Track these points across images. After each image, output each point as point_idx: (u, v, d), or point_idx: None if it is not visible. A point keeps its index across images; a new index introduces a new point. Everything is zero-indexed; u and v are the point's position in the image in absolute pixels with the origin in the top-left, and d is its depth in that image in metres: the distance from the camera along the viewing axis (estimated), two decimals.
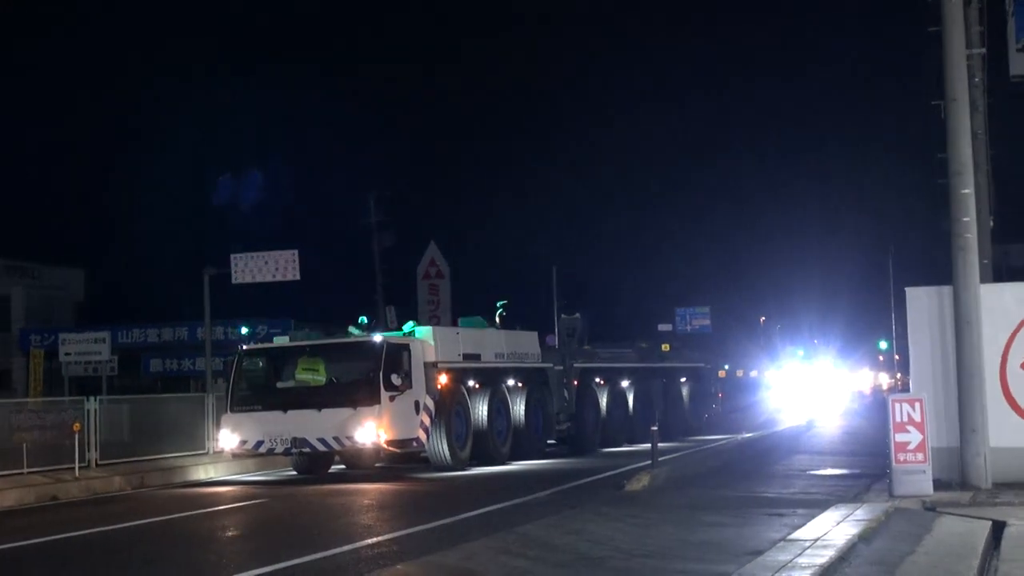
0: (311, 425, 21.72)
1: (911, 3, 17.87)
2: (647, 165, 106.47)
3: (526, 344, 26.76)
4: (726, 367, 61.35)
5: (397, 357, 22.04)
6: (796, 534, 12.17)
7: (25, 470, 20.56)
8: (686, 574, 10.61)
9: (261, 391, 23.00)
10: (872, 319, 71.29)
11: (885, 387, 72.47)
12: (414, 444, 22.44)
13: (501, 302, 27.36)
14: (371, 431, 21.33)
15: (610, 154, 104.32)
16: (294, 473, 23.90)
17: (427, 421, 22.46)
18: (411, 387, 22.09)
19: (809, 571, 10.03)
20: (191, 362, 46.06)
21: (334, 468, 24.63)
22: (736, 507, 15.07)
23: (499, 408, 24.95)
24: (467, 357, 24.25)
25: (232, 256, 30.54)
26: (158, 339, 47.86)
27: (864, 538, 11.85)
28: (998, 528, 12.56)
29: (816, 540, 11.61)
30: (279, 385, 23.02)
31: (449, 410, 23.10)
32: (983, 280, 16.35)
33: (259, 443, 22.21)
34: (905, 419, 14.93)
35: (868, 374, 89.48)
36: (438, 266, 43.57)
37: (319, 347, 23.12)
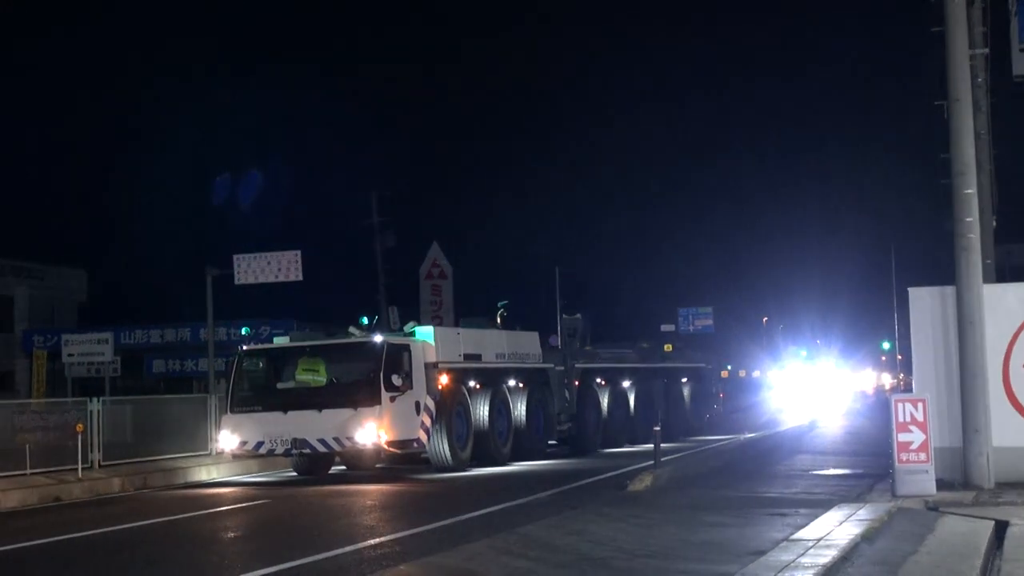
0: (311, 426, 21.69)
1: (913, 3, 17.89)
2: (647, 165, 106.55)
3: (527, 344, 26.74)
4: (729, 367, 61.31)
5: (398, 357, 22.02)
6: (799, 534, 12.17)
7: (28, 471, 20.55)
8: (688, 574, 10.61)
9: (261, 392, 22.98)
10: (874, 319, 71.41)
11: (888, 387, 72.43)
12: (415, 445, 22.41)
13: (502, 302, 27.38)
14: (372, 432, 21.31)
15: (610, 154, 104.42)
16: (295, 474, 23.87)
17: (428, 422, 22.43)
18: (412, 388, 22.06)
19: (812, 571, 10.02)
20: (194, 363, 46.11)
21: (334, 469, 24.59)
22: (739, 507, 15.06)
23: (500, 409, 24.93)
24: (468, 357, 24.22)
25: (235, 257, 30.58)
26: (161, 340, 47.93)
27: (867, 538, 11.84)
28: (1001, 528, 12.55)
29: (819, 540, 11.60)
30: (279, 386, 22.99)
31: (450, 411, 23.07)
32: (986, 280, 16.35)
33: (259, 444, 22.18)
34: (908, 419, 14.93)
35: (871, 374, 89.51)
36: (440, 266, 43.61)
37: (319, 348, 23.09)
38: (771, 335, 73.78)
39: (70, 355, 32.33)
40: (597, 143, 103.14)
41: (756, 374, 68.01)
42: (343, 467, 25.03)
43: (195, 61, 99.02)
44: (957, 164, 15.86)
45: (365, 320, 23.90)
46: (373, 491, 20.01)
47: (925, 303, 16.35)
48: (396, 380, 21.66)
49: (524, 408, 25.64)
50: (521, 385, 25.79)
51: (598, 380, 29.61)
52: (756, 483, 18.75)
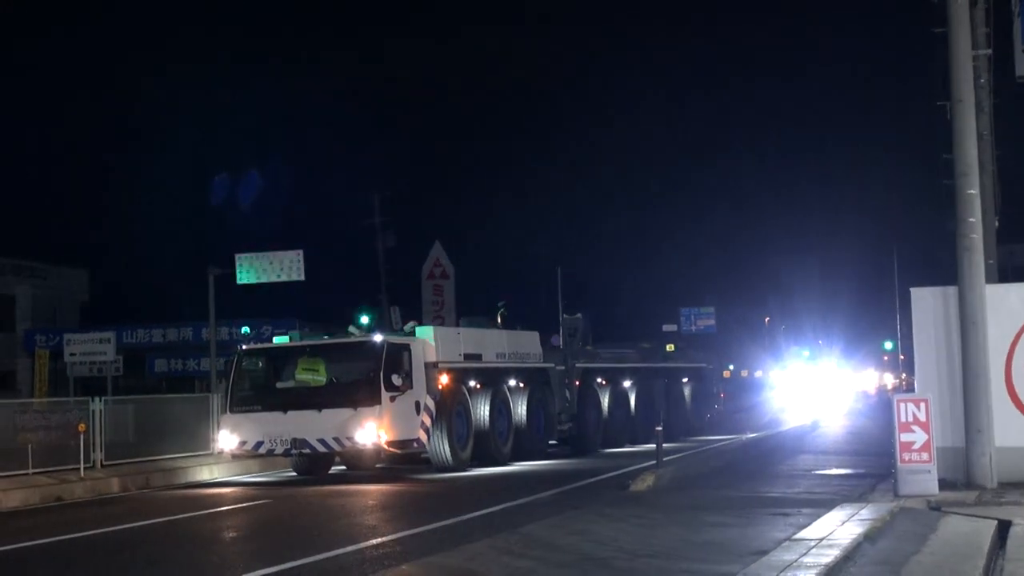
0: (311, 426, 21.65)
1: (915, 4, 17.88)
2: (648, 165, 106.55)
3: (528, 344, 26.72)
4: (730, 367, 61.35)
5: (398, 357, 21.98)
6: (801, 534, 12.16)
7: (30, 471, 20.56)
8: (691, 574, 10.60)
9: (261, 391, 22.93)
10: (876, 319, 71.41)
11: (890, 387, 72.43)
12: (415, 445, 22.38)
13: (502, 302, 27.36)
14: (371, 432, 21.28)
15: (610, 154, 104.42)
16: (295, 474, 23.85)
17: (428, 422, 22.41)
18: (412, 387, 22.03)
19: (814, 571, 10.02)
20: (196, 362, 46.15)
21: (334, 469, 24.56)
22: (741, 507, 15.05)
23: (500, 408, 24.89)
24: (468, 357, 24.20)
25: (237, 256, 30.63)
26: (163, 339, 47.96)
27: (869, 538, 11.84)
28: (1004, 528, 12.54)
29: (821, 540, 11.59)
30: (279, 385, 22.91)
31: (450, 410, 23.04)
32: (988, 280, 16.35)
33: (259, 444, 22.13)
34: (910, 419, 14.92)
35: (873, 374, 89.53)
36: (443, 266, 43.61)
37: (319, 347, 23.06)
38: (773, 335, 73.77)
39: (72, 354, 32.37)
40: (597, 143, 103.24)
41: (758, 374, 67.99)
42: (343, 467, 25.01)
43: (195, 61, 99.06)
44: (960, 165, 15.85)
45: (363, 320, 23.77)
46: (373, 491, 20.01)
47: (927, 303, 16.35)
48: (396, 380, 21.63)
49: (525, 408, 25.62)
50: (522, 385, 25.77)
51: (599, 380, 29.60)
52: (758, 483, 18.74)
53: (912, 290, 16.71)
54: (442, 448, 22.91)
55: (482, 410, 24.25)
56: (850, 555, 10.89)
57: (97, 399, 22.70)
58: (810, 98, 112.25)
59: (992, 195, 19.15)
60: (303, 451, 22.14)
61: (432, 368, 22.71)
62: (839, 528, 12.39)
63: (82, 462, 21.20)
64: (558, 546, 12.02)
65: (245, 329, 37.60)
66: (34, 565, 13.33)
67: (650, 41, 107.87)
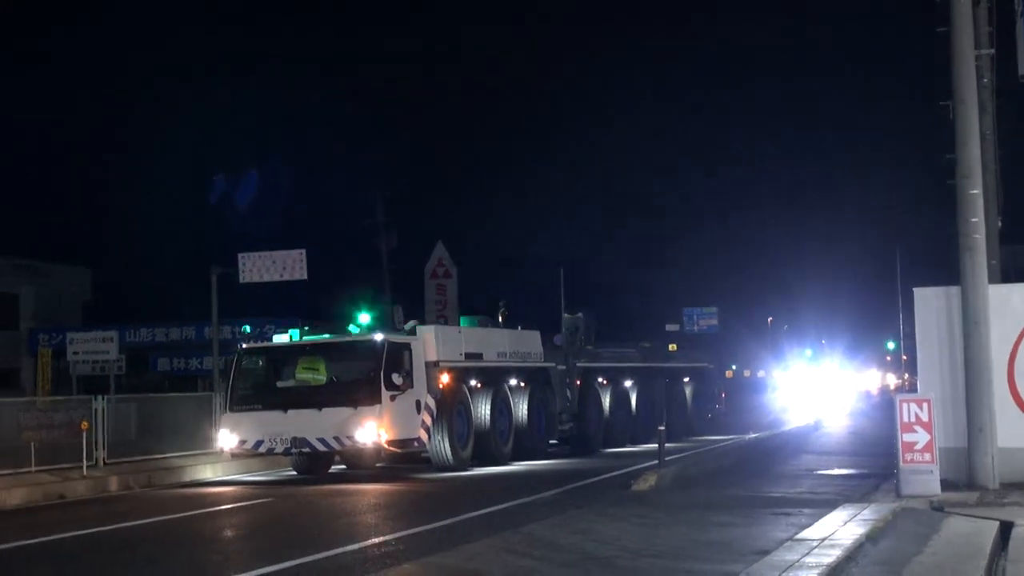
0: (311, 425, 21.60)
1: (919, 3, 17.86)
2: (648, 164, 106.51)
3: (529, 343, 26.70)
4: (733, 367, 61.38)
5: (398, 356, 21.95)
6: (803, 534, 12.16)
7: (33, 468, 20.58)
8: (693, 574, 10.60)
9: (261, 390, 22.84)
10: (879, 319, 71.39)
11: (892, 387, 72.40)
12: (415, 444, 22.35)
13: (503, 301, 27.33)
14: (372, 431, 21.24)
15: (612, 154, 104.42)
16: (295, 473, 23.83)
17: (428, 421, 22.38)
18: (412, 386, 21.99)
19: (816, 571, 10.02)
20: (198, 361, 46.12)
21: (334, 468, 24.52)
22: (744, 507, 15.05)
23: (501, 408, 24.85)
24: (469, 356, 24.17)
25: (239, 255, 30.61)
26: (166, 338, 47.93)
27: (871, 538, 11.83)
28: (1006, 528, 12.53)
29: (823, 540, 11.59)
30: (279, 384, 22.83)
31: (451, 410, 23.00)
32: (991, 281, 16.31)
33: (259, 443, 22.07)
34: (913, 419, 14.92)
35: (875, 374, 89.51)
36: (445, 266, 43.62)
37: (319, 346, 23.02)
38: (776, 335, 73.80)
39: (75, 353, 32.37)
40: (598, 143, 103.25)
41: (761, 374, 68.05)
42: (343, 466, 24.98)
43: (195, 61, 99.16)
44: (962, 165, 15.84)
45: (362, 319, 23.70)
46: (374, 490, 20.01)
47: (930, 303, 16.33)
48: (397, 379, 21.60)
49: (525, 407, 25.59)
50: (522, 384, 25.75)
51: (600, 379, 29.59)
52: (761, 483, 18.73)
53: (915, 290, 16.70)
54: (443, 447, 22.89)
55: (483, 409, 24.22)
56: (852, 555, 10.88)
57: (100, 397, 22.71)
58: (812, 97, 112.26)
59: (995, 195, 19.12)
60: (303, 450, 22.10)
61: (433, 367, 22.68)
62: (841, 528, 12.38)
63: (84, 460, 21.22)
64: (560, 545, 12.01)
65: (246, 328, 37.57)
66: (36, 562, 13.34)
67: (651, 41, 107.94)
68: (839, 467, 21.58)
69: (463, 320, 26.69)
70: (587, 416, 28.43)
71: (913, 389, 21.07)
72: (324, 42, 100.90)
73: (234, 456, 23.37)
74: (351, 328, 23.57)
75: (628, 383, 30.99)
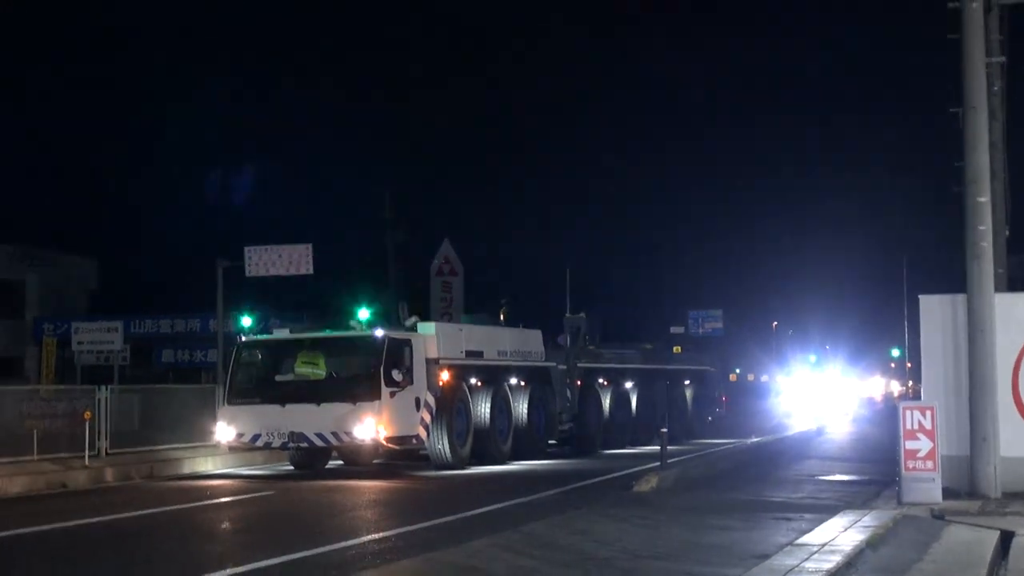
0: (309, 419, 21.50)
1: (930, 10, 17.82)
2: (653, 166, 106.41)
3: (530, 342, 26.66)
4: (736, 371, 61.34)
5: (398, 352, 21.88)
6: (804, 539, 12.15)
7: (35, 457, 20.59)
8: None
9: (260, 384, 22.74)
10: (883, 326, 71.32)
11: (896, 394, 72.33)
12: (414, 441, 22.29)
13: (504, 299, 27.34)
14: (370, 427, 21.16)
15: (617, 155, 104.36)
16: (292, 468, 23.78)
17: (427, 418, 22.31)
18: (412, 383, 21.91)
19: None
20: (203, 353, 46.12)
21: (331, 464, 24.40)
22: (744, 510, 15.03)
23: (501, 407, 24.78)
24: (470, 354, 24.12)
25: (246, 248, 30.60)
26: (170, 330, 47.96)
27: (871, 545, 11.81)
28: (1006, 538, 12.52)
29: (823, 545, 11.58)
30: (278, 378, 22.71)
31: (450, 407, 22.93)
32: (998, 289, 16.29)
33: (256, 436, 21.99)
34: (916, 427, 14.89)
35: (879, 381, 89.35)
36: (451, 264, 43.62)
37: (319, 340, 22.95)
38: (780, 340, 73.73)
39: (80, 343, 32.38)
40: (609, 147, 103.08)
41: (764, 378, 68.00)
42: (339, 462, 24.86)
43: (205, 52, 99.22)
44: (971, 172, 15.81)
45: (361, 314, 23.65)
46: (372, 487, 20.00)
47: (936, 311, 16.30)
48: (396, 375, 21.52)
49: (525, 407, 25.55)
50: (523, 383, 25.70)
51: (600, 380, 29.55)
52: (762, 487, 18.70)
53: (921, 297, 16.67)
54: (441, 445, 22.84)
55: (482, 408, 24.16)
56: (852, 561, 10.87)
57: (103, 387, 22.71)
58: (821, 104, 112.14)
59: (1003, 203, 19.09)
60: (300, 445, 22.01)
61: (433, 364, 22.61)
62: (842, 534, 12.37)
63: (87, 450, 21.23)
64: (560, 545, 12.01)
65: (241, 324, 37.53)
66: (34, 552, 13.34)
67: (660, 43, 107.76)
68: (841, 473, 21.54)
69: (464, 318, 26.68)
70: (587, 417, 28.40)
71: (917, 397, 21.08)
72: (324, 42, 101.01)
73: (231, 449, 23.14)
74: (352, 323, 23.51)
75: (629, 384, 30.96)
